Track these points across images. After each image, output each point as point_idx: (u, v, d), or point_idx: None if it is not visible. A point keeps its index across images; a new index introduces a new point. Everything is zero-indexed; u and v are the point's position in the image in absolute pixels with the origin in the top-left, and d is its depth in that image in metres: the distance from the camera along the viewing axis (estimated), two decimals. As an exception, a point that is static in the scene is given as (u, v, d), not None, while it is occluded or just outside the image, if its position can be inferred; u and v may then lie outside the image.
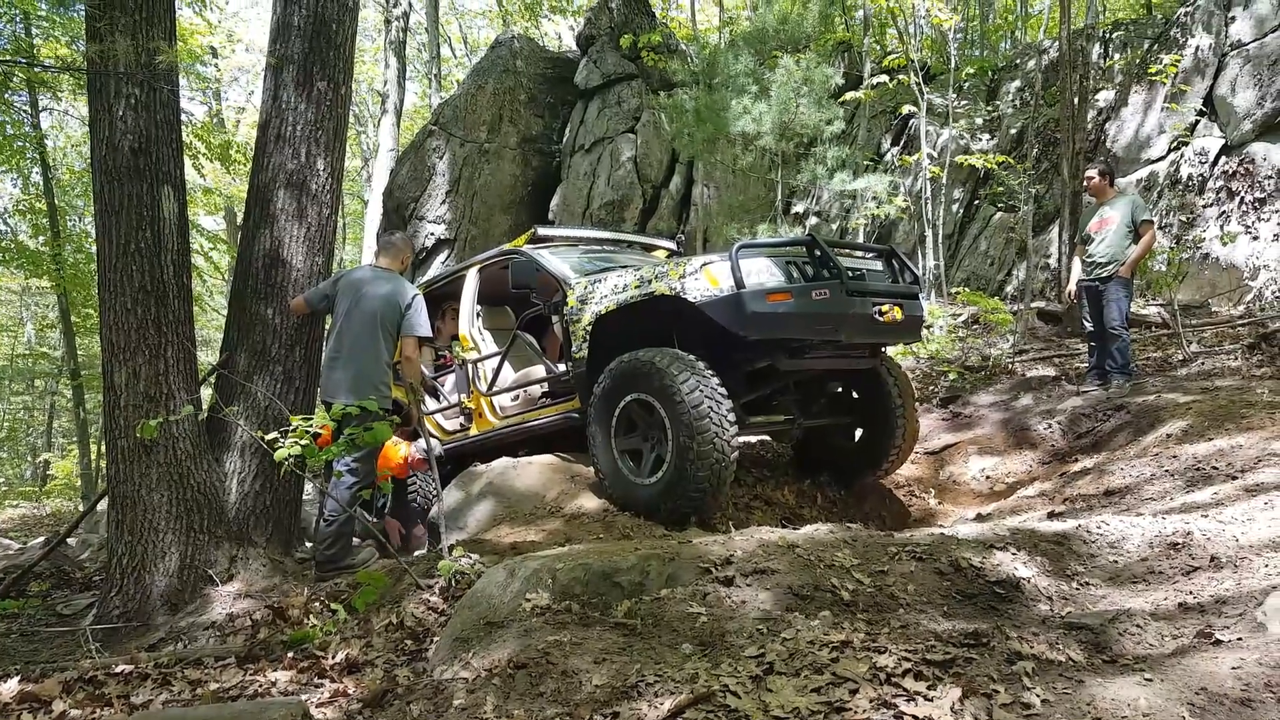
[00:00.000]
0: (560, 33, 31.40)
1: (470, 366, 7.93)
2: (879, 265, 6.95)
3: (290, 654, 4.43)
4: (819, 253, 6.24)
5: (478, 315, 8.27)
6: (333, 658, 4.22)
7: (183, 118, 6.52)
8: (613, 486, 6.39)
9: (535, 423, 7.34)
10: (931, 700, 2.52)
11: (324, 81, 6.79)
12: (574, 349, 6.80)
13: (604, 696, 2.89)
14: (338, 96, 6.90)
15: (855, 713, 2.53)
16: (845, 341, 6.53)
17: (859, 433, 7.61)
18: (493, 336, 8.28)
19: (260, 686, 4.06)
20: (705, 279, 6.08)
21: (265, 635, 4.99)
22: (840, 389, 7.63)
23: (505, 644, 3.41)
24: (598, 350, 6.65)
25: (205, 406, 6.60)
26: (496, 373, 7.73)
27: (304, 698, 3.63)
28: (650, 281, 6.35)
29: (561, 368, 7.24)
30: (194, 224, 20.10)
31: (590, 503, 6.53)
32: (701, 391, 5.80)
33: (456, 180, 20.54)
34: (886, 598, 3.60)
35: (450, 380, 8.51)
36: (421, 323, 6.58)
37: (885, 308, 6.37)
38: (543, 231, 8.18)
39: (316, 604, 5.24)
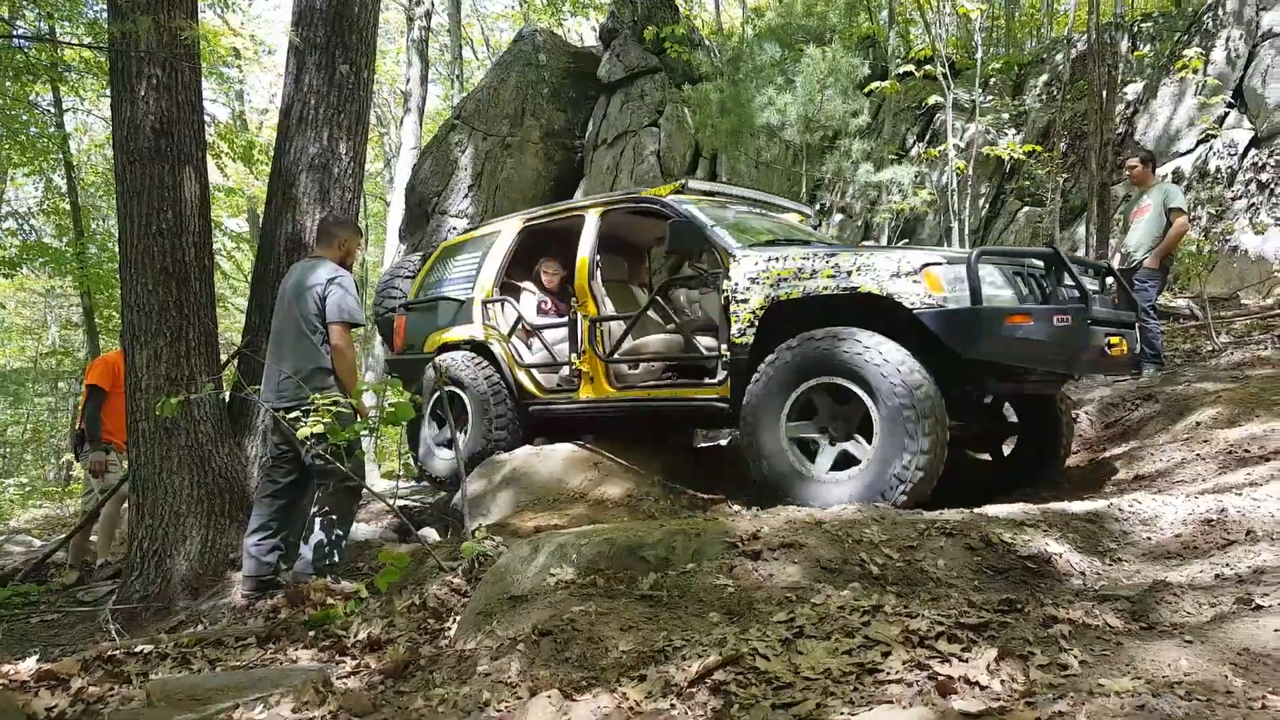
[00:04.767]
0: (582, 28, 31.44)
1: (585, 324, 7.14)
2: (1096, 284, 6.00)
3: (311, 634, 4.40)
4: (1058, 268, 5.45)
5: (597, 266, 7.39)
6: (354, 636, 4.19)
7: (206, 119, 6.52)
8: (769, 473, 5.60)
9: (666, 401, 6.74)
10: (966, 661, 2.45)
11: (346, 65, 6.79)
12: (735, 331, 6.03)
13: (631, 661, 2.83)
14: (360, 80, 6.89)
15: (888, 674, 2.46)
16: (1075, 375, 5.83)
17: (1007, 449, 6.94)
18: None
19: (281, 663, 4.03)
20: (926, 283, 5.27)
21: (286, 616, 4.96)
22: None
23: (530, 615, 3.36)
24: (765, 335, 5.92)
25: (226, 389, 6.58)
26: (624, 337, 7.09)
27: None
28: (850, 274, 5.53)
29: (709, 342, 6.65)
30: (217, 223, 20.19)
31: (614, 490, 6.47)
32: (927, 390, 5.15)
33: (479, 174, 20.48)
34: (916, 572, 3.54)
35: (553, 333, 7.75)
36: (344, 306, 5.68)
37: (1115, 339, 5.56)
38: (694, 185, 7.37)
39: (337, 586, 5.20)
